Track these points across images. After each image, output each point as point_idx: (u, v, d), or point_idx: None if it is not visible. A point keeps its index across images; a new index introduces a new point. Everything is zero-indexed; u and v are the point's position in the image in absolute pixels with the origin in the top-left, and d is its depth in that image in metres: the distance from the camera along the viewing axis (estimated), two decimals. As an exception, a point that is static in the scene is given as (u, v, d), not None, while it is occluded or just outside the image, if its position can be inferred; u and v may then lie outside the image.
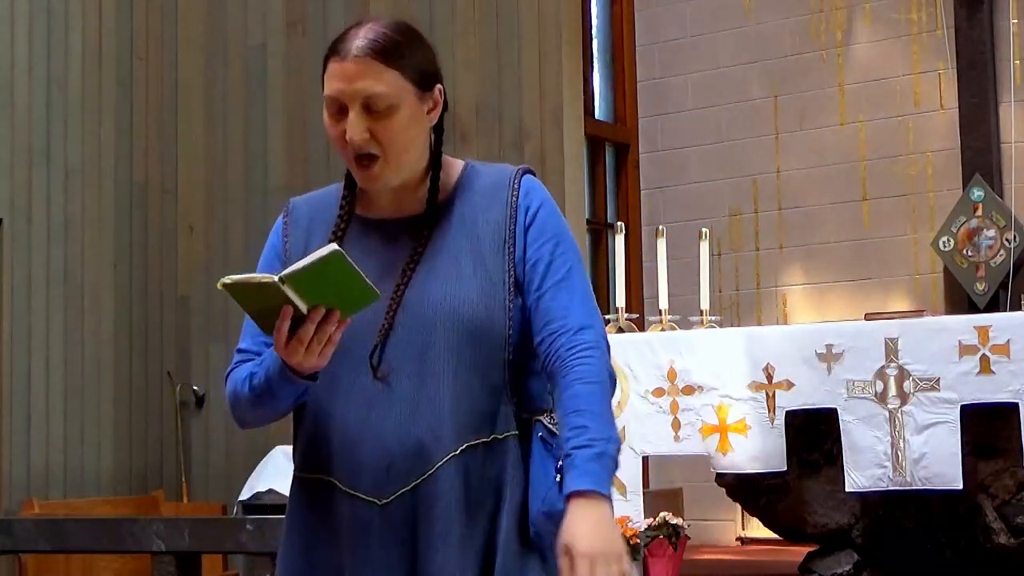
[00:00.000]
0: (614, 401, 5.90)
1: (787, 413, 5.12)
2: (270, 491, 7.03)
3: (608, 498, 2.12)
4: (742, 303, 8.40)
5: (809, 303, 8.23)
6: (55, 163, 7.42)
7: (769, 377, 5.15)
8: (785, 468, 5.13)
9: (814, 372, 5.08)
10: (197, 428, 7.95)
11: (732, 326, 7.50)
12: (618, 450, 2.18)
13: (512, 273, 2.26)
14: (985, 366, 4.84)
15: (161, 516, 6.98)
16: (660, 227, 6.19)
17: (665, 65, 8.69)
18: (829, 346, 5.08)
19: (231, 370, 2.35)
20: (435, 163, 2.32)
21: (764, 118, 8.33)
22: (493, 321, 2.24)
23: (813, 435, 5.27)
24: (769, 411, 5.13)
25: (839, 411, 5.02)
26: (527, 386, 2.29)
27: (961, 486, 4.83)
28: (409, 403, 2.21)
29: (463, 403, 2.21)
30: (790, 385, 5.13)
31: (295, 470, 2.33)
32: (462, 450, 2.20)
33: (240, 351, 2.37)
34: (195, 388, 7.92)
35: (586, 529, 2.08)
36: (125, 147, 7.82)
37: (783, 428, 5.10)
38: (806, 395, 5.10)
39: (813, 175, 8.21)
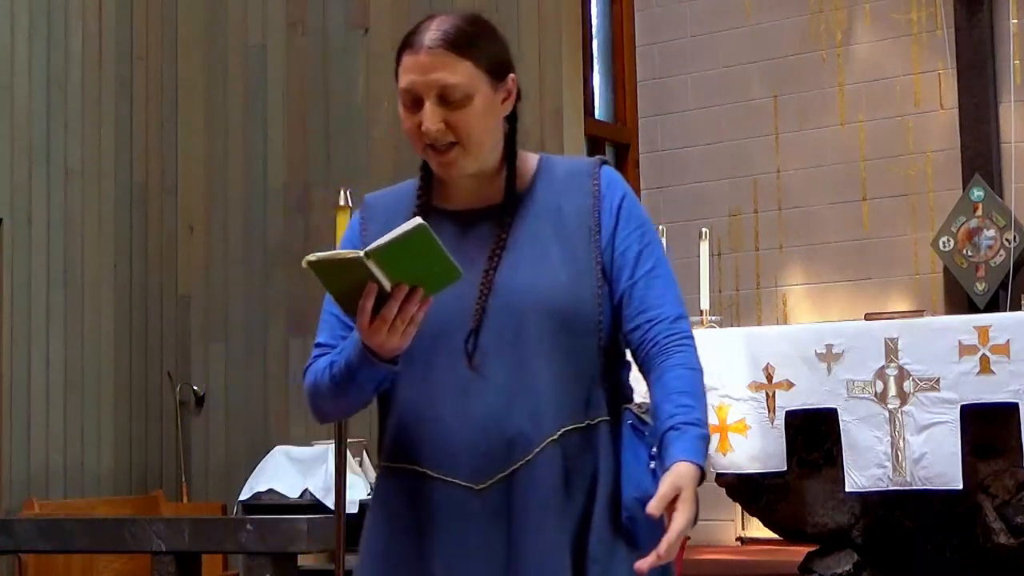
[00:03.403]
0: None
1: (787, 413, 5.11)
2: (270, 491, 7.04)
3: (704, 479, 2.17)
4: (742, 303, 8.40)
5: (809, 303, 8.23)
6: (55, 163, 7.42)
7: (769, 377, 5.15)
8: (785, 468, 5.12)
9: (814, 372, 5.08)
10: (197, 428, 7.95)
11: (732, 326, 7.49)
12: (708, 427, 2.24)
13: (599, 260, 2.28)
14: (985, 366, 4.83)
15: (161, 516, 6.99)
16: (660, 227, 6.19)
17: (665, 65, 8.69)
18: (829, 346, 5.08)
19: (310, 364, 2.34)
20: (510, 152, 2.33)
21: (764, 118, 8.33)
22: (584, 307, 2.25)
23: (813, 435, 5.27)
24: (769, 411, 5.13)
25: (839, 411, 5.02)
26: (616, 374, 2.32)
27: (961, 486, 4.82)
28: (506, 389, 2.21)
29: (559, 388, 2.22)
30: (790, 385, 5.12)
31: (381, 460, 2.33)
32: (560, 435, 2.22)
33: (318, 345, 2.35)
34: (195, 388, 7.92)
35: (693, 491, 2.13)
36: (125, 147, 7.82)
37: (783, 428, 5.10)
38: (806, 395, 5.10)
39: (813, 175, 8.21)
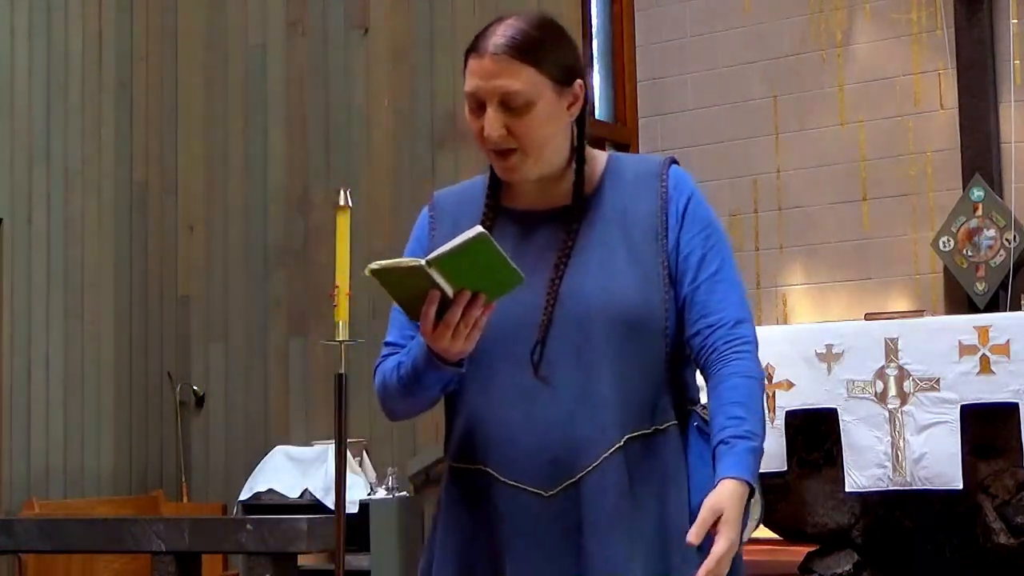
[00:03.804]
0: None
1: (787, 413, 5.11)
2: (270, 491, 7.04)
3: (753, 493, 2.17)
4: (742, 303, 8.38)
5: (809, 303, 8.22)
6: (55, 163, 7.42)
7: (769, 377, 5.14)
8: (785, 468, 5.12)
9: (814, 372, 5.07)
10: (197, 428, 7.95)
11: (732, 326, 7.47)
12: (763, 440, 2.22)
13: (666, 265, 2.27)
14: (985, 366, 4.83)
15: (161, 516, 6.99)
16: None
17: (665, 65, 8.69)
18: (829, 346, 5.07)
19: (379, 363, 2.35)
20: (579, 155, 2.32)
21: (764, 118, 8.32)
22: (651, 314, 2.25)
23: (813, 435, 5.27)
24: (769, 411, 5.12)
25: (839, 411, 5.02)
26: (682, 377, 2.31)
27: (961, 486, 4.82)
28: (572, 396, 2.21)
29: (625, 395, 2.22)
30: (790, 385, 5.12)
31: (448, 460, 2.33)
32: (625, 441, 2.22)
33: (387, 344, 2.37)
34: (195, 388, 7.92)
35: (736, 512, 2.14)
36: (125, 147, 7.82)
37: (783, 428, 5.10)
38: (806, 395, 5.09)
39: (813, 175, 8.20)
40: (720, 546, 2.10)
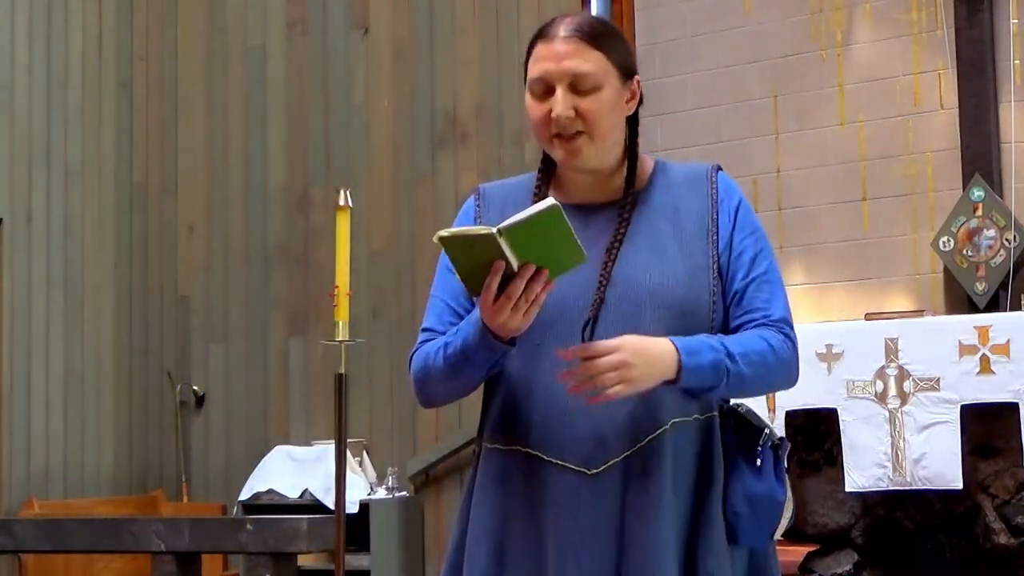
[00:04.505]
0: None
1: (787, 413, 5.11)
2: (270, 491, 7.04)
3: (680, 368, 2.18)
4: (742, 303, 8.37)
5: (809, 303, 8.22)
6: (55, 163, 7.42)
7: (769, 377, 5.14)
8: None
9: (814, 372, 5.08)
10: (197, 428, 7.95)
11: (732, 326, 7.46)
12: (731, 382, 2.23)
13: (716, 261, 2.33)
14: (985, 366, 4.83)
15: (161, 516, 6.99)
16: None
17: (665, 65, 8.69)
18: (829, 346, 5.08)
19: (416, 349, 2.37)
20: (631, 153, 2.42)
21: (764, 118, 8.31)
22: (699, 306, 2.30)
23: (813, 435, 5.27)
24: (769, 411, 5.13)
25: (839, 411, 5.02)
26: None
27: (961, 486, 4.82)
28: None
29: None
30: (790, 385, 5.12)
31: (484, 442, 2.35)
32: (672, 425, 2.25)
33: (425, 330, 2.38)
34: (195, 388, 7.92)
35: (640, 341, 2.18)
36: (125, 147, 7.82)
37: (783, 428, 5.10)
38: (806, 395, 5.10)
39: (813, 175, 8.20)
40: (608, 356, 2.14)
